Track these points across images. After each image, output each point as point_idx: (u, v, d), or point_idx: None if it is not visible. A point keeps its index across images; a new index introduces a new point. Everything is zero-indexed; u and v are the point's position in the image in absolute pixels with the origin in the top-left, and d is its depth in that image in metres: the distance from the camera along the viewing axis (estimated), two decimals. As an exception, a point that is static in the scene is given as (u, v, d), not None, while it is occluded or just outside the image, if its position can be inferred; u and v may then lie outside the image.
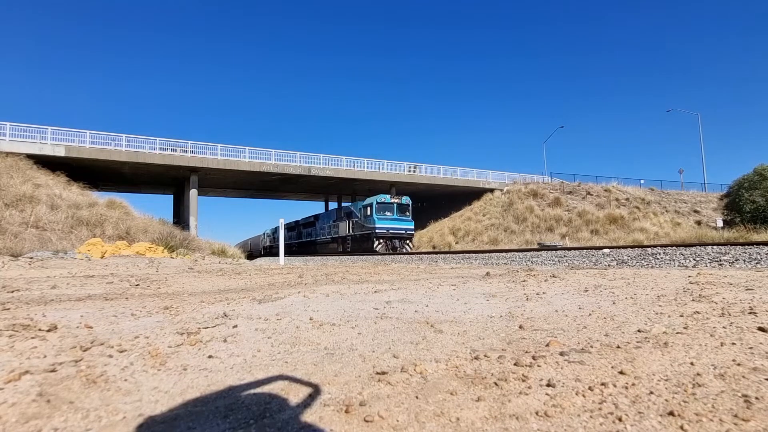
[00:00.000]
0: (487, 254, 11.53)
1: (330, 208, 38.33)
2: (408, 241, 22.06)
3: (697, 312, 2.02)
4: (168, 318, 2.25)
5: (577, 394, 1.08)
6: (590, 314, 2.10)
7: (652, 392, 1.07)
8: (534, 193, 27.36)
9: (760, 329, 1.62)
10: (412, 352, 1.54)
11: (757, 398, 1.00)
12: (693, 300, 2.35)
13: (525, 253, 10.67)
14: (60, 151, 20.65)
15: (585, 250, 9.42)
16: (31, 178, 16.40)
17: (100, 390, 1.20)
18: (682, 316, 1.96)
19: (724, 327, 1.70)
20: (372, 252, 19.79)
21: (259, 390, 1.20)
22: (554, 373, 1.25)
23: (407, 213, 22.25)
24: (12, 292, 3.73)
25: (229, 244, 20.32)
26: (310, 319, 2.18)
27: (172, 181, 27.98)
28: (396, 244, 21.21)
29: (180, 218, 26.56)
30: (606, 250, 8.82)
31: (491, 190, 29.63)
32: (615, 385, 1.12)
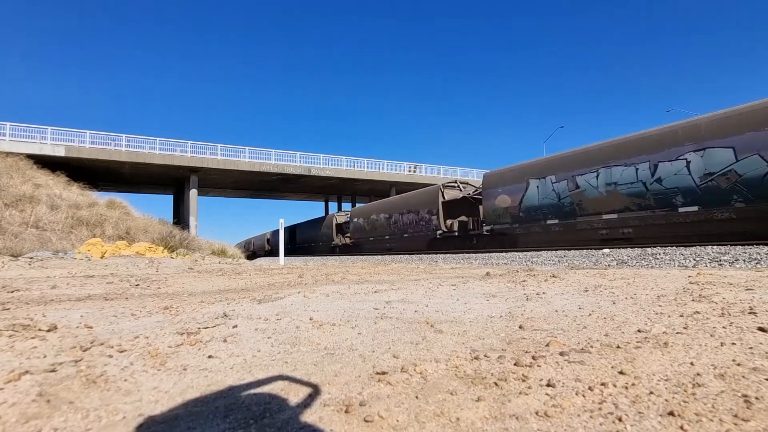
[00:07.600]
0: (487, 254, 11.53)
1: (330, 209, 38.17)
2: None
3: (697, 312, 2.02)
4: (168, 318, 2.25)
5: (577, 394, 1.08)
6: (590, 314, 2.09)
7: (652, 392, 1.07)
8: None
9: (760, 329, 1.61)
10: (412, 352, 1.54)
11: (757, 398, 1.00)
12: (693, 300, 2.35)
13: (525, 253, 10.68)
14: (60, 151, 20.68)
15: (585, 250, 9.42)
16: (31, 178, 16.41)
17: (100, 390, 1.20)
18: (682, 316, 1.96)
19: (724, 327, 1.70)
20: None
21: (259, 390, 1.20)
22: (554, 373, 1.25)
23: None
24: (12, 292, 3.73)
25: (229, 244, 20.32)
26: (310, 319, 2.18)
27: (172, 181, 28.00)
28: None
29: (180, 218, 26.57)
30: (606, 250, 8.82)
31: (491, 190, 29.68)
32: (615, 385, 1.12)
